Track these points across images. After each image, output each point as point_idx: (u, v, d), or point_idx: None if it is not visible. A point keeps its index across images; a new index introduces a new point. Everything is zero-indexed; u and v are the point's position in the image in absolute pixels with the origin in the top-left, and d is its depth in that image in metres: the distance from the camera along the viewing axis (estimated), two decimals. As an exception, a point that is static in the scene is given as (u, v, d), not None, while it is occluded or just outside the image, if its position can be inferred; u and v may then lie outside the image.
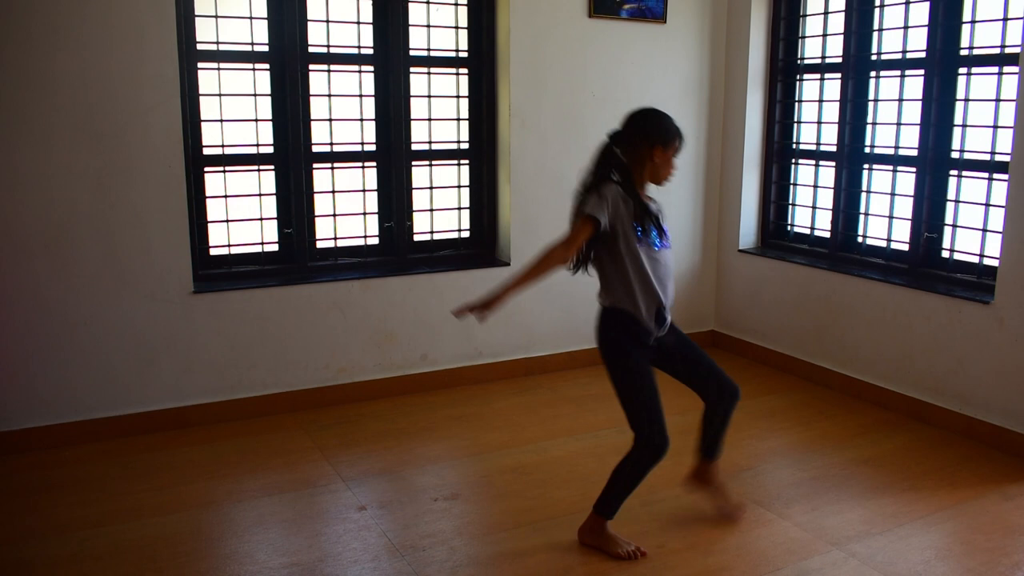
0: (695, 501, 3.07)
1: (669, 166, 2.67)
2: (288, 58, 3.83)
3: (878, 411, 3.97)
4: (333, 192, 4.05)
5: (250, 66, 3.78)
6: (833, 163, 4.35)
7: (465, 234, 4.40)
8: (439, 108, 4.22)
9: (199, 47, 3.66)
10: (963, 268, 3.79)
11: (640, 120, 2.66)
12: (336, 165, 4.04)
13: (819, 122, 4.44)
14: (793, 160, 4.63)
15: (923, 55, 3.86)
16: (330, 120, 3.98)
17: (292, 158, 3.90)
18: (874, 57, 4.13)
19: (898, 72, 4.00)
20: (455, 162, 4.31)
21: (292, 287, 3.87)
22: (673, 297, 2.72)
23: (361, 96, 4.03)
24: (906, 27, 3.94)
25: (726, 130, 4.79)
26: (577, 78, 4.35)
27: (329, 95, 3.95)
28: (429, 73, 4.16)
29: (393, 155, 4.13)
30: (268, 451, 3.50)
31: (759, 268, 4.68)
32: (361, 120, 4.05)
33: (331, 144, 4.01)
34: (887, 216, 4.10)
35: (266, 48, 3.81)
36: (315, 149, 3.98)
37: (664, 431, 2.65)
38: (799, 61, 4.54)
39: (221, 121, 3.76)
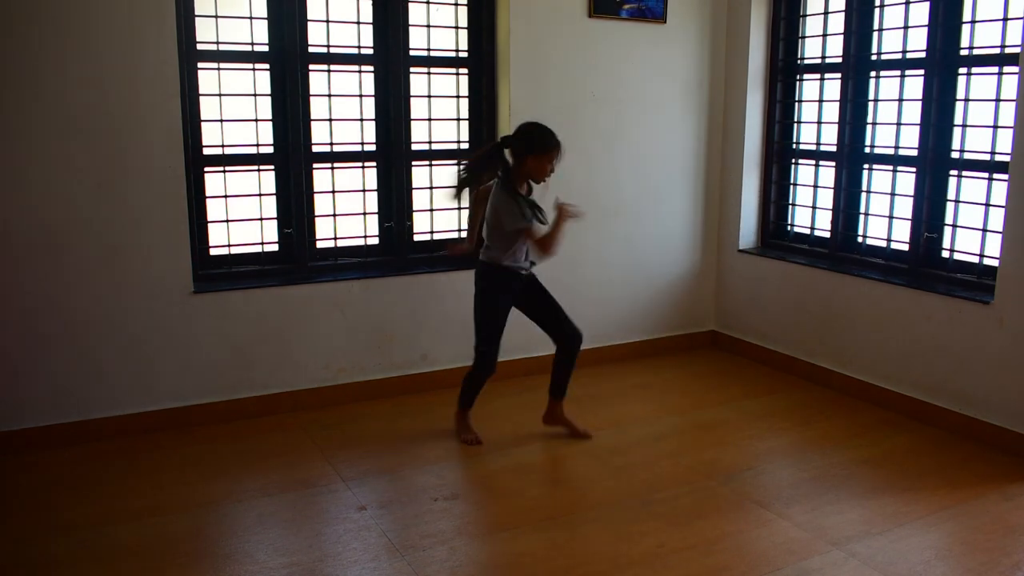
0: (695, 501, 3.07)
1: (542, 169, 3.34)
2: (288, 58, 3.83)
3: (878, 411, 3.97)
4: (333, 192, 4.05)
5: (250, 66, 3.78)
6: (833, 163, 4.35)
7: (465, 234, 4.40)
8: (439, 108, 4.22)
9: (199, 47, 3.66)
10: (963, 268, 3.79)
11: (520, 132, 3.37)
12: (336, 165, 4.04)
13: (819, 122, 4.44)
14: (793, 160, 4.63)
15: (923, 55, 3.86)
16: (330, 120, 3.98)
17: (292, 158, 3.90)
18: (874, 57, 4.13)
19: (898, 72, 4.00)
20: (455, 162, 4.31)
21: (292, 287, 3.87)
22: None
23: (361, 96, 4.03)
24: (906, 27, 3.94)
25: (726, 130, 4.79)
26: (577, 78, 4.35)
27: (329, 95, 3.95)
28: (429, 73, 4.16)
29: (393, 155, 4.13)
30: (268, 451, 3.50)
31: (759, 268, 4.68)
32: (361, 120, 4.05)
33: (331, 144, 4.01)
34: (887, 216, 4.10)
35: (266, 48, 3.80)
36: (315, 149, 3.98)
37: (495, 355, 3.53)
38: (799, 61, 4.54)
39: (221, 121, 3.75)
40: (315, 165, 3.99)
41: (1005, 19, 3.54)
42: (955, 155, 3.78)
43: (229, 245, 3.87)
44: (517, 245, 3.41)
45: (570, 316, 3.60)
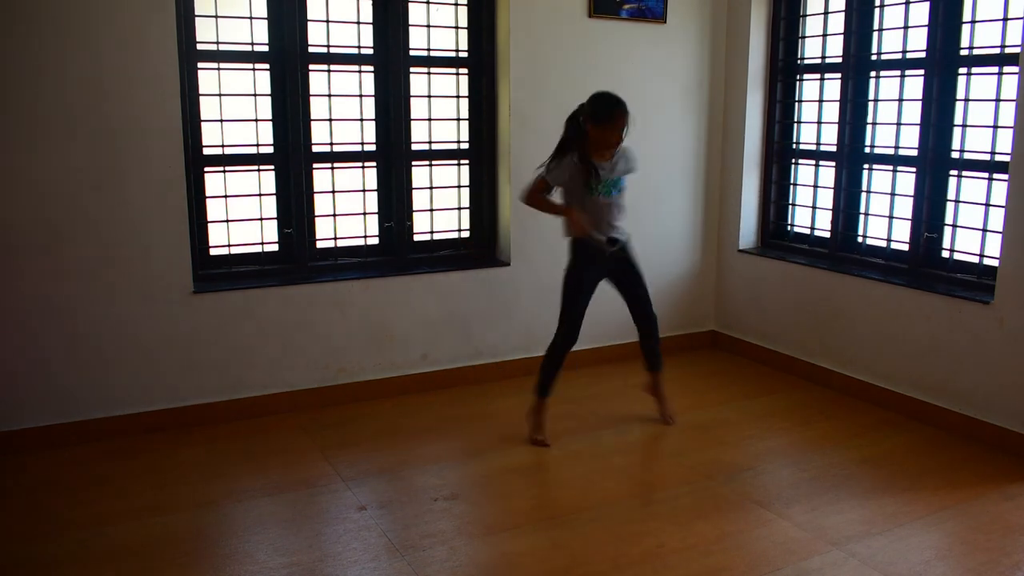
0: (695, 501, 3.07)
1: (603, 139, 3.36)
2: (288, 58, 3.83)
3: (878, 411, 3.97)
4: (333, 192, 4.05)
5: (250, 66, 3.78)
6: (833, 163, 4.35)
7: (465, 234, 4.40)
8: (439, 108, 4.22)
9: (199, 47, 3.66)
10: (963, 268, 3.79)
11: (588, 101, 3.38)
12: (336, 165, 4.04)
13: (819, 122, 4.44)
14: (793, 160, 4.63)
15: (923, 55, 3.86)
16: (330, 120, 3.98)
17: (292, 158, 3.90)
18: (874, 57, 4.13)
19: (898, 72, 4.00)
20: (455, 162, 4.31)
21: (292, 287, 3.87)
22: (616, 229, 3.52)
23: (361, 96, 4.03)
24: (906, 27, 3.94)
25: (726, 130, 4.79)
26: (577, 78, 4.34)
27: (329, 95, 3.95)
28: (429, 73, 4.16)
29: (393, 155, 4.13)
30: (268, 451, 3.50)
31: (759, 268, 4.68)
32: (361, 120, 4.05)
33: (331, 144, 4.01)
34: (887, 216, 4.10)
35: (266, 48, 3.80)
36: (315, 149, 3.98)
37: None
38: (799, 61, 4.54)
39: (221, 121, 3.76)
40: (315, 165, 3.99)
41: (1005, 19, 3.54)
42: (955, 155, 3.78)
43: (229, 245, 3.87)
44: (591, 214, 3.42)
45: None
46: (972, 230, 3.74)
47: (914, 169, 3.92)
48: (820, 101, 4.43)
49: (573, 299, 3.53)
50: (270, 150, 3.89)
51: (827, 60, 4.37)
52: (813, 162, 4.49)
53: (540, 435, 3.57)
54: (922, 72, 3.86)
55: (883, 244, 4.15)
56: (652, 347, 3.77)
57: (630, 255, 3.62)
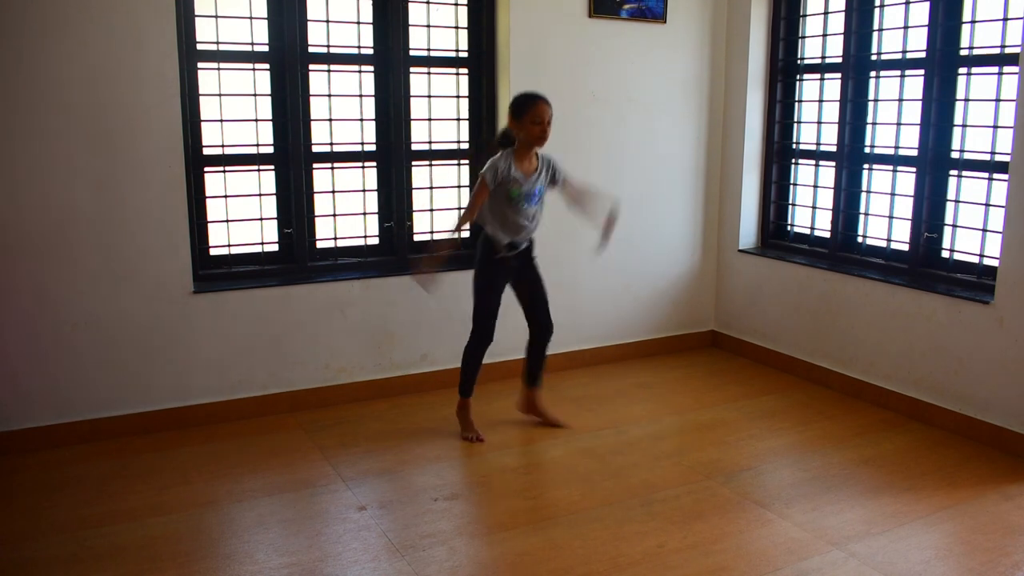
0: (695, 501, 3.07)
1: (529, 130, 3.33)
2: (288, 58, 3.83)
3: (878, 411, 3.97)
4: (333, 192, 4.05)
5: (250, 66, 3.78)
6: (833, 163, 4.35)
7: (465, 234, 4.40)
8: (439, 108, 4.22)
9: (199, 47, 3.66)
10: (963, 268, 3.79)
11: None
12: (336, 165, 4.04)
13: (819, 122, 4.44)
14: (793, 160, 4.63)
15: (923, 55, 3.86)
16: (330, 120, 3.98)
17: (292, 158, 3.90)
18: (874, 57, 4.13)
19: (898, 72, 4.00)
20: (455, 162, 4.31)
21: (292, 287, 3.88)
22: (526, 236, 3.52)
23: (361, 96, 4.03)
24: (906, 27, 3.94)
25: (726, 130, 4.79)
26: (577, 78, 4.35)
27: (329, 95, 3.95)
28: (429, 73, 4.16)
29: (393, 155, 4.13)
30: (268, 451, 3.50)
31: (759, 268, 4.68)
32: (361, 120, 4.05)
33: (331, 144, 4.01)
34: (887, 216, 4.10)
35: (266, 48, 3.81)
36: (315, 149, 3.98)
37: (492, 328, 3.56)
38: (799, 61, 4.54)
39: (221, 121, 3.75)
40: (315, 165, 3.99)
41: (1005, 19, 3.54)
42: (955, 155, 3.78)
43: (229, 245, 3.87)
44: (501, 214, 3.41)
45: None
46: (972, 230, 3.74)
47: (914, 169, 3.92)
48: (820, 101, 4.43)
49: (485, 298, 3.52)
50: (270, 150, 3.89)
51: (827, 60, 4.37)
52: (813, 162, 4.49)
53: (469, 433, 3.63)
54: (922, 72, 3.86)
55: (883, 244, 4.15)
56: (538, 358, 3.70)
57: (533, 260, 3.61)
